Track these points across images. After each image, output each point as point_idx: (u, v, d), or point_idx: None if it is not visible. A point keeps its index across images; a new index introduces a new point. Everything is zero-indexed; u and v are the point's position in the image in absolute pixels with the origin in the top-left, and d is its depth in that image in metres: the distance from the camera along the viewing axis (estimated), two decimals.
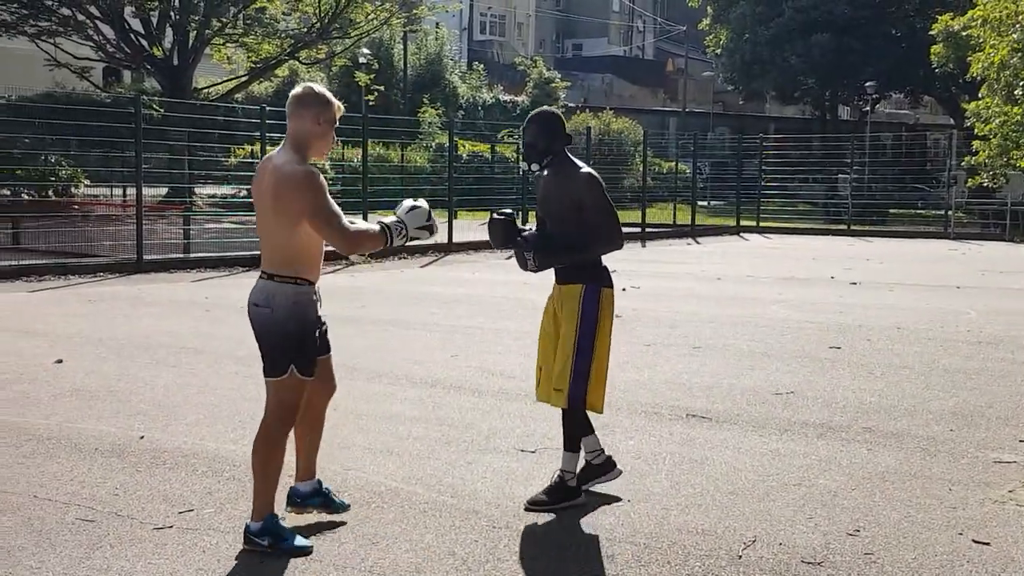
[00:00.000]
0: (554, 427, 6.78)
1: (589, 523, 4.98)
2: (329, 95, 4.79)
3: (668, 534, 4.87)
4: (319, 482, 5.04)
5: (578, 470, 5.36)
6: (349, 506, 5.10)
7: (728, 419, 7.16)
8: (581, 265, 5.32)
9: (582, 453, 5.42)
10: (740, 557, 4.60)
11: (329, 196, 4.61)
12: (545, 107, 5.72)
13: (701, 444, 6.49)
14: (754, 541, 4.80)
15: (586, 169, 5.32)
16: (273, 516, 4.62)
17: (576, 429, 5.33)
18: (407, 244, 4.98)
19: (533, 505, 5.15)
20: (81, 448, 6.17)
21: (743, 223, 31.14)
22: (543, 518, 5.03)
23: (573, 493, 5.26)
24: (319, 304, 4.77)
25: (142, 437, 6.43)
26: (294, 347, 4.61)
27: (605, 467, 5.52)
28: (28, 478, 5.57)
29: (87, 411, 7.10)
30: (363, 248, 4.84)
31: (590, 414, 5.42)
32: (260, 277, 4.70)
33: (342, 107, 4.86)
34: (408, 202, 4.98)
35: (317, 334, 4.73)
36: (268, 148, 17.50)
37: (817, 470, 5.98)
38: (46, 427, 6.65)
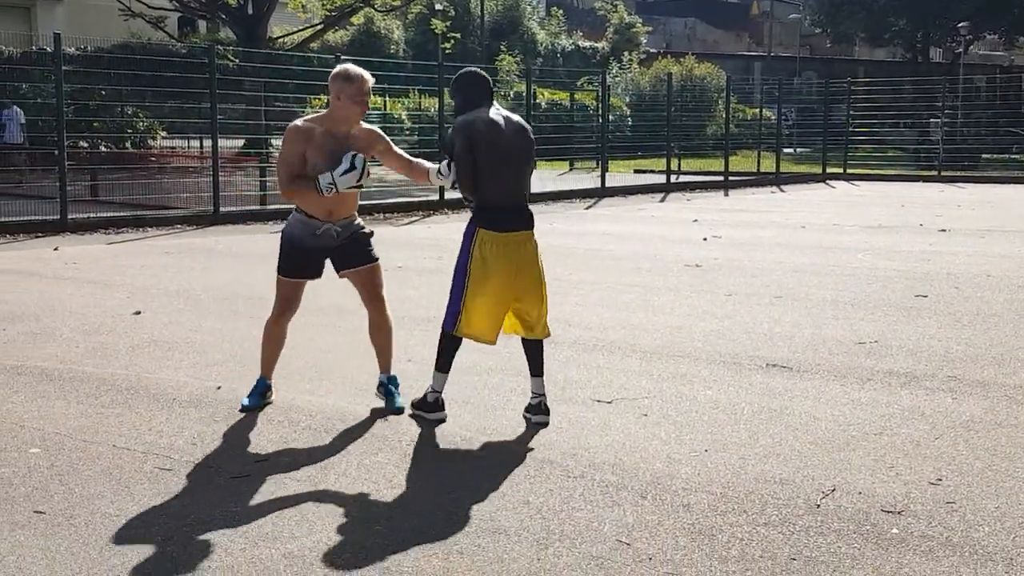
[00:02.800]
0: (631, 378, 6.81)
1: (667, 472, 5.00)
2: (354, 73, 5.74)
3: (745, 483, 4.87)
4: (386, 377, 6.19)
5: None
6: (401, 410, 6.01)
7: (809, 369, 7.11)
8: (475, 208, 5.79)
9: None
10: (818, 506, 4.59)
11: (295, 151, 5.80)
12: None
13: (781, 394, 6.47)
14: (833, 490, 4.79)
15: (460, 118, 5.76)
16: (261, 379, 6.18)
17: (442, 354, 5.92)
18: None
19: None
20: (159, 398, 6.33)
21: (829, 170, 30.66)
22: (617, 470, 5.06)
23: (431, 407, 5.90)
24: (327, 236, 5.97)
25: (219, 387, 6.57)
26: (280, 254, 6.14)
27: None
28: (107, 428, 5.73)
29: (165, 362, 7.27)
30: (293, 196, 6.03)
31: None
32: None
33: (369, 81, 5.79)
34: (345, 163, 5.72)
35: (299, 253, 6.04)
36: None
37: (899, 419, 5.93)
38: (124, 377, 6.83)
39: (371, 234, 6.21)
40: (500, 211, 5.70)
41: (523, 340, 5.98)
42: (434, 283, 10.58)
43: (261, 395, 6.17)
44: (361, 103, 5.79)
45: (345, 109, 5.79)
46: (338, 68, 5.83)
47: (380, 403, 6.17)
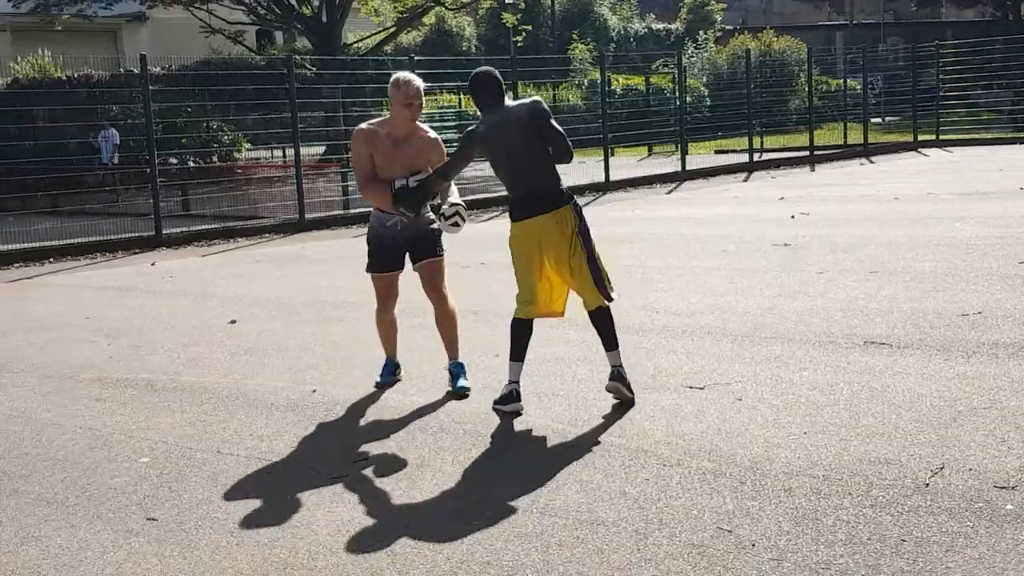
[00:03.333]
0: (723, 363, 6.75)
1: (765, 457, 4.95)
2: (402, 79, 6.23)
3: (849, 465, 4.79)
4: (451, 363, 6.59)
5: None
6: (463, 392, 6.37)
7: (910, 344, 6.97)
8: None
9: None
10: (927, 485, 4.50)
11: (362, 154, 6.32)
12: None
13: (881, 372, 6.35)
14: (942, 468, 4.69)
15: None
16: (388, 361, 6.80)
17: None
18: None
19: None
20: (258, 404, 6.46)
21: (921, 138, 29.98)
22: (714, 457, 5.02)
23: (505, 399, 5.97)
24: (394, 227, 6.50)
25: (314, 391, 6.68)
26: (368, 253, 6.70)
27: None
28: (211, 435, 5.87)
29: (261, 368, 7.40)
30: (368, 196, 6.57)
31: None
32: None
33: (416, 85, 6.23)
34: (452, 214, 6.13)
35: (378, 247, 6.61)
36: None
37: (1009, 392, 5.78)
38: (224, 385, 6.97)
39: (439, 232, 6.50)
40: (514, 203, 6.02)
41: (590, 316, 6.09)
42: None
43: (391, 373, 6.80)
44: (409, 107, 6.24)
45: (398, 113, 6.28)
46: (393, 76, 6.31)
47: (473, 397, 6.23)
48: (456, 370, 6.56)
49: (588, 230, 6.05)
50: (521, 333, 6.01)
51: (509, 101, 6.03)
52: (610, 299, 6.06)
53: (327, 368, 7.28)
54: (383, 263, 6.61)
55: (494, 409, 5.96)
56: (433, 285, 6.55)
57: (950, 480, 4.54)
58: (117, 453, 5.62)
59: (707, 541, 4.07)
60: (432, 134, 6.47)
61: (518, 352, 5.99)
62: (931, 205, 15.01)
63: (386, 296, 6.66)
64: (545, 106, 6.02)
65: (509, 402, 5.92)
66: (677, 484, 4.68)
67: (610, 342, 6.01)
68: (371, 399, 6.41)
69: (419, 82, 6.28)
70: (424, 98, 6.35)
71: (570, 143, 6.00)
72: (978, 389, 5.86)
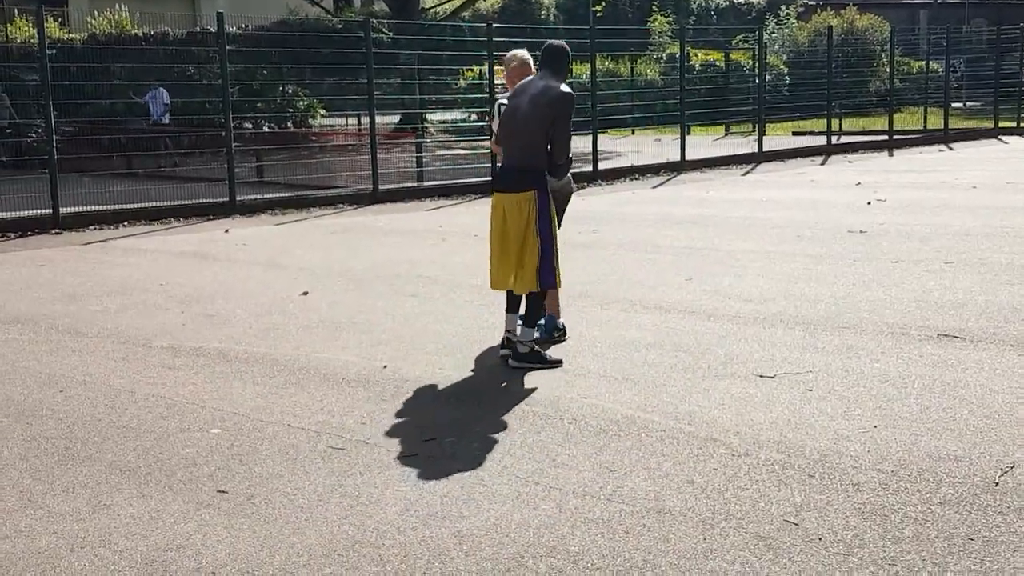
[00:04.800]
0: (794, 352, 6.74)
1: (834, 450, 4.95)
2: (506, 58, 7.17)
3: (918, 460, 4.78)
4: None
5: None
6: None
7: (984, 338, 6.90)
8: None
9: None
10: (997, 484, 4.48)
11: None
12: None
13: (953, 365, 6.30)
14: (1013, 467, 4.66)
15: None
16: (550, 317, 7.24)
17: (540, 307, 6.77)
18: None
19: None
20: (329, 378, 6.56)
21: (1002, 124, 29.39)
22: (783, 448, 5.03)
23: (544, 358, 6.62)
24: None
25: (385, 367, 6.77)
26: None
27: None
28: (282, 408, 5.98)
29: (333, 342, 7.51)
30: None
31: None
32: None
33: (507, 58, 7.15)
34: None
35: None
36: (496, 68, 17.75)
37: None
38: (295, 358, 7.09)
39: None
40: (497, 172, 6.74)
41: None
42: (592, 257, 10.63)
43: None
44: (507, 79, 7.12)
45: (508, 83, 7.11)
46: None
47: (543, 379, 6.29)
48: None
49: (550, 222, 6.53)
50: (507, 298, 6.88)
51: (551, 80, 6.51)
52: (548, 287, 6.63)
53: (398, 344, 7.36)
54: None
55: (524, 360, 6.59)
56: None
57: (1020, 479, 4.51)
58: (189, 423, 5.74)
59: (774, 533, 4.09)
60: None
61: (509, 304, 6.87)
62: (1010, 195, 14.76)
63: None
64: (571, 105, 6.47)
65: (503, 348, 6.75)
66: (745, 475, 4.70)
67: (526, 318, 6.67)
68: (441, 377, 6.48)
69: (514, 56, 7.17)
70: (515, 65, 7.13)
71: (570, 153, 6.59)
72: None
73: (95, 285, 10.12)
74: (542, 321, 7.06)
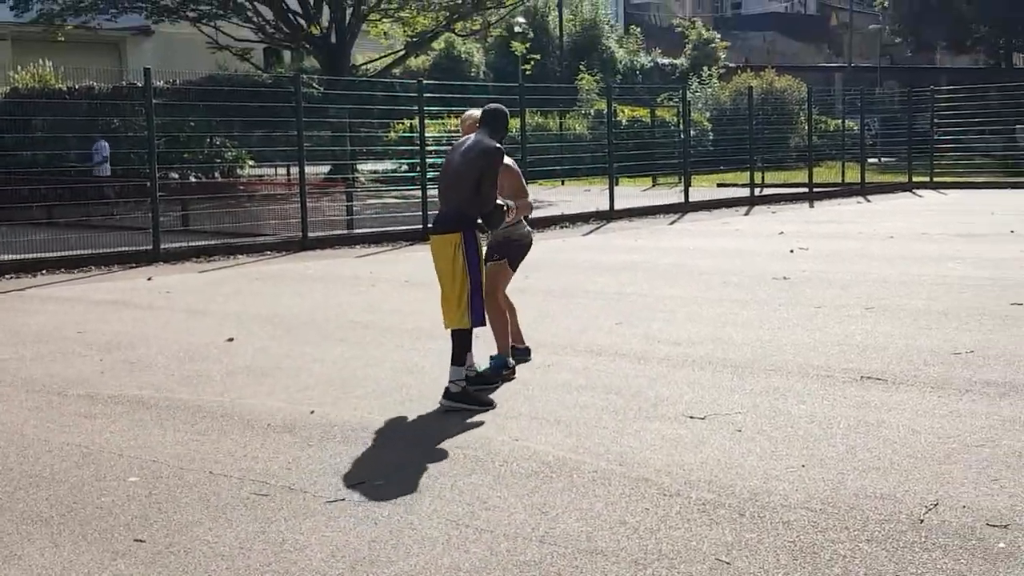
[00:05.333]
0: (722, 393, 6.70)
1: (764, 489, 4.89)
2: (466, 115, 7.48)
3: (845, 499, 4.74)
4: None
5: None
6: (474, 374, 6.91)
7: (905, 380, 6.93)
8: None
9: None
10: (922, 521, 4.46)
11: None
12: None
13: (877, 407, 6.31)
14: (936, 504, 4.64)
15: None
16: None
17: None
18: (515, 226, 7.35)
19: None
20: (253, 424, 6.38)
21: (915, 179, 30.03)
22: (713, 488, 4.96)
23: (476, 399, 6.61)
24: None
25: (312, 412, 6.60)
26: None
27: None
28: (203, 455, 5.78)
29: (258, 388, 7.33)
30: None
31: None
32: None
33: (464, 116, 7.51)
34: None
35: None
36: (428, 122, 17.74)
37: (1001, 430, 5.75)
38: (219, 404, 6.90)
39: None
40: (436, 217, 6.91)
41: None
42: (524, 303, 10.57)
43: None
44: (464, 133, 7.29)
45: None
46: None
47: (473, 421, 6.19)
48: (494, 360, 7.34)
49: (477, 262, 6.64)
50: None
51: (486, 137, 6.70)
52: (477, 325, 6.67)
53: (326, 389, 7.21)
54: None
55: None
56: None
57: (944, 516, 4.50)
58: (106, 472, 5.51)
59: (705, 573, 4.01)
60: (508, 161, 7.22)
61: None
62: (925, 245, 15.01)
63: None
64: (497, 159, 6.63)
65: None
66: (676, 514, 4.62)
67: (453, 356, 6.65)
68: (370, 421, 6.33)
69: (468, 115, 7.41)
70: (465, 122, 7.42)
71: (490, 204, 6.63)
72: (971, 427, 5.83)
73: (9, 334, 9.78)
74: (493, 357, 7.38)
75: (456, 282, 6.59)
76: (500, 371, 7.28)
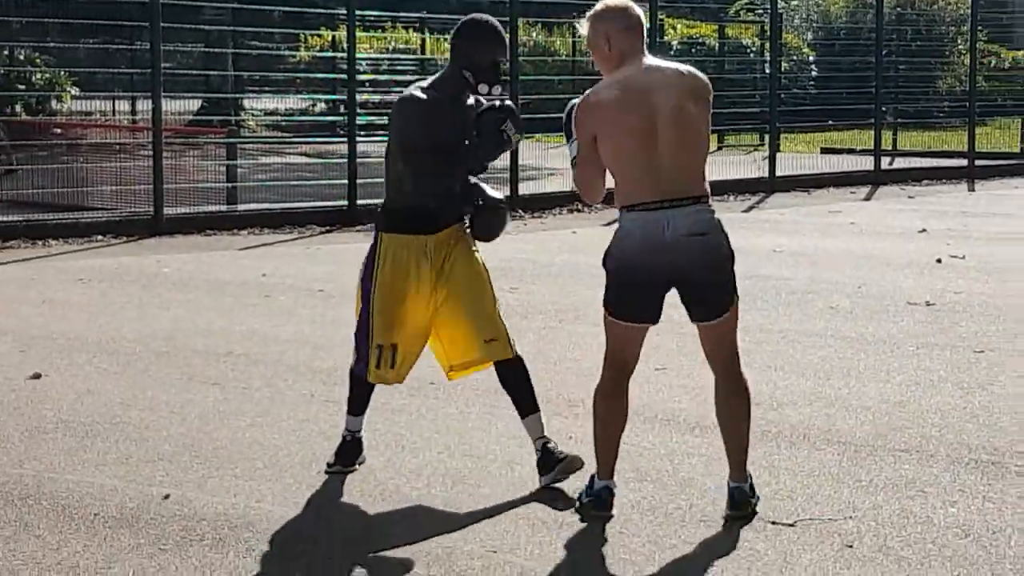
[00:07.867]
0: (826, 485, 6.75)
1: None
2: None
3: None
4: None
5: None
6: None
7: None
8: None
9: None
10: None
11: None
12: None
13: None
14: None
15: None
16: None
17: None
18: None
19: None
20: (73, 514, 6.39)
21: None
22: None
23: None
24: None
25: (167, 497, 6.63)
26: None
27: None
28: None
29: (81, 456, 7.36)
30: None
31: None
32: (683, 204, 6.53)
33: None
34: None
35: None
36: (361, 35, 17.71)
37: None
38: (19, 480, 6.91)
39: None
40: None
41: None
42: (514, 329, 10.60)
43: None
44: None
45: None
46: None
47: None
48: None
49: (367, 273, 6.94)
50: None
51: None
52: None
53: (189, 461, 7.25)
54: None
55: None
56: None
57: None
58: None
59: None
60: None
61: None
62: None
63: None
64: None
65: None
66: None
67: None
68: (258, 515, 6.37)
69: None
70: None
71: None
72: None
73: None
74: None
75: (489, 287, 7.22)
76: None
